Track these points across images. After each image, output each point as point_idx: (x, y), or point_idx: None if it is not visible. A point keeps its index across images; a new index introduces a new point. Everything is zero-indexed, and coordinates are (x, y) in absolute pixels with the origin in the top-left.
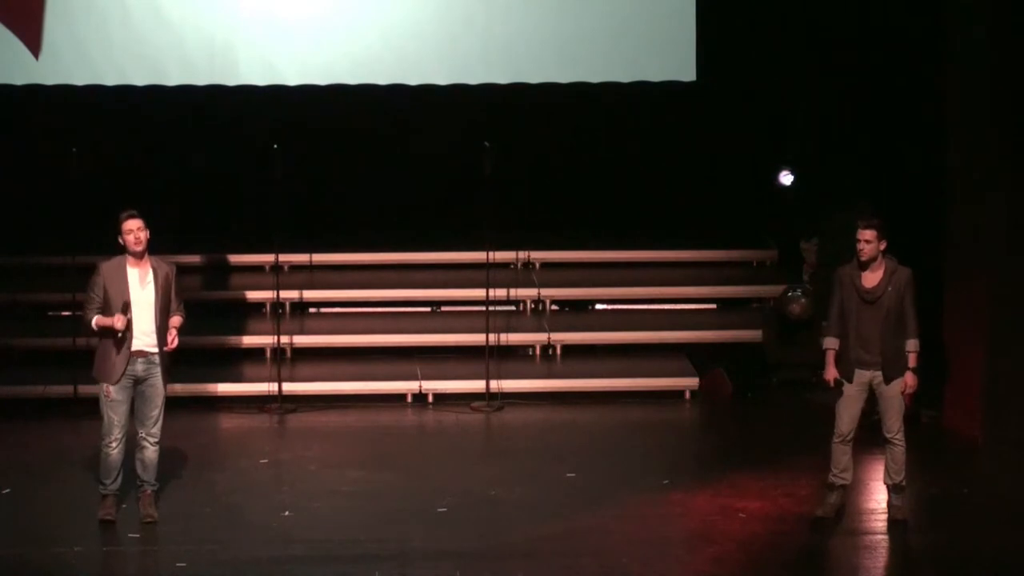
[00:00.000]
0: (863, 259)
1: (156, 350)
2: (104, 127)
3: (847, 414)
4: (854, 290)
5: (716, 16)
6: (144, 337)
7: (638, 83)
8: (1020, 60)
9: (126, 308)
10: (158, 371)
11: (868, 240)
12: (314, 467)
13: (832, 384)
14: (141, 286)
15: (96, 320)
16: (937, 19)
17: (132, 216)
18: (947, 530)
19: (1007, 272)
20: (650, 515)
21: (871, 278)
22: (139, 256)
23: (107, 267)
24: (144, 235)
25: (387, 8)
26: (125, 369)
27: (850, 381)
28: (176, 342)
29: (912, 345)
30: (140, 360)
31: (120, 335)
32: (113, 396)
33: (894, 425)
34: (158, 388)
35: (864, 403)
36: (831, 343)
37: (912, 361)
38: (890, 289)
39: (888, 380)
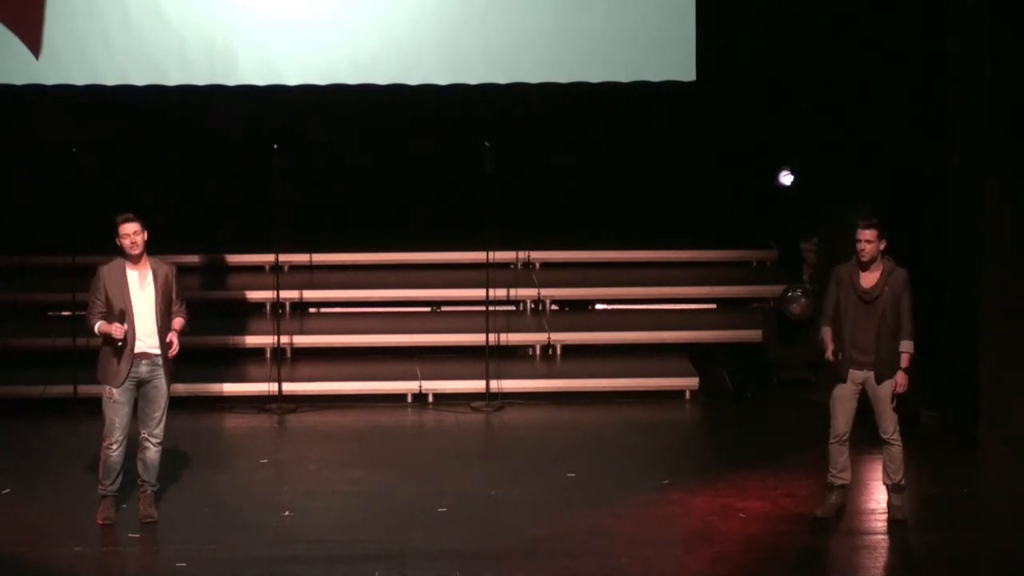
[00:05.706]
0: (864, 259)
1: (158, 351)
2: (104, 127)
3: (842, 414)
4: (852, 289)
5: (716, 16)
6: (146, 339)
7: (638, 83)
8: (1020, 60)
9: (123, 317)
10: (162, 372)
11: (869, 240)
12: (314, 467)
13: (835, 360)
14: (141, 288)
15: (99, 327)
16: (937, 19)
17: (128, 220)
18: (947, 530)
19: (1007, 272)
20: (650, 515)
21: (869, 278)
22: (137, 259)
23: (107, 270)
24: (141, 238)
25: (387, 8)
26: (129, 372)
27: (844, 381)
28: (176, 349)
29: (906, 346)
30: (144, 362)
31: (120, 343)
32: (116, 398)
33: (889, 426)
34: (161, 389)
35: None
36: (826, 330)
37: (905, 362)
38: (887, 289)
39: (880, 380)
